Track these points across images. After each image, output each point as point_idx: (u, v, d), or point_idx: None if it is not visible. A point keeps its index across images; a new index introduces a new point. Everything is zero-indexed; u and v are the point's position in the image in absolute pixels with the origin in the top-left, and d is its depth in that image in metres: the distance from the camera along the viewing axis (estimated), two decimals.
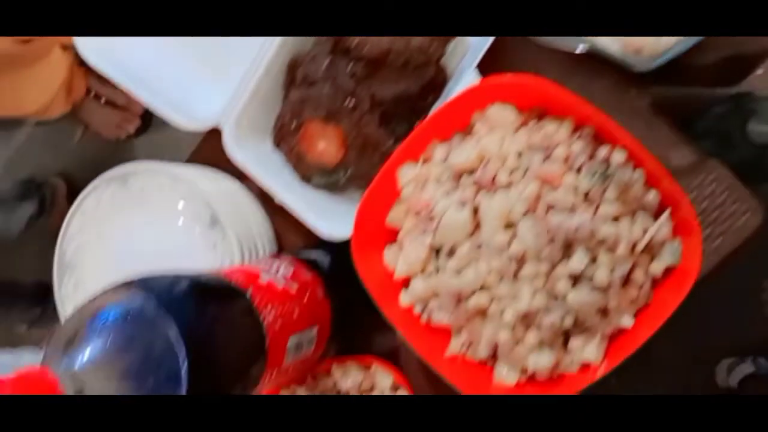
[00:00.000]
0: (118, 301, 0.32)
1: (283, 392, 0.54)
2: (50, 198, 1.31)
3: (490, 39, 0.50)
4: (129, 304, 0.32)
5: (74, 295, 0.61)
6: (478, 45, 0.51)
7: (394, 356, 0.55)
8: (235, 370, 0.36)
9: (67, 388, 0.29)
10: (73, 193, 1.38)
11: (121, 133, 1.35)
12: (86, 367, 0.30)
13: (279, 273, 0.45)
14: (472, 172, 0.44)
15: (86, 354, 0.30)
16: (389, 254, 0.49)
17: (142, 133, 1.33)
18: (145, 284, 0.33)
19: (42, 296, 1.24)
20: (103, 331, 0.31)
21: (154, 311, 0.32)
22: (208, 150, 0.63)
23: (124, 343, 0.31)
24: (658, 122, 0.50)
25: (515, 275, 0.42)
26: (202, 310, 0.35)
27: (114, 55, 0.61)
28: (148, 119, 1.33)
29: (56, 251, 0.61)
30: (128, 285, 0.33)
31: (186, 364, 0.32)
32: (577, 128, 0.44)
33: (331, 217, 0.55)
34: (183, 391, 0.32)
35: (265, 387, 0.42)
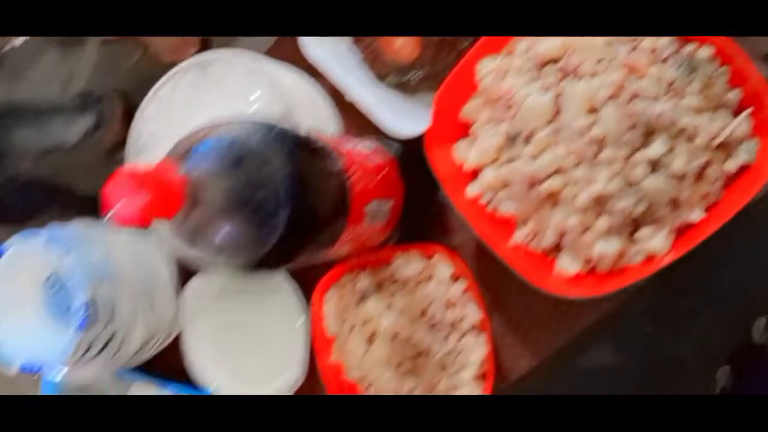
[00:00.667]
0: (236, 129, 0.34)
1: (345, 279, 0.56)
2: (108, 113, 1.35)
3: None
4: (247, 133, 0.34)
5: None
6: None
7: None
8: (323, 218, 0.39)
9: (190, 199, 0.31)
10: (128, 112, 1.42)
11: (178, 58, 1.37)
12: (201, 174, 0.32)
13: (359, 147, 0.47)
14: (556, 61, 0.46)
15: (202, 163, 0.32)
16: (460, 148, 0.51)
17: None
18: (260, 123, 0.36)
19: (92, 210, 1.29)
20: (218, 148, 0.33)
21: (267, 145, 0.34)
22: (284, 47, 0.64)
23: (237, 162, 0.33)
24: None
25: (593, 159, 0.43)
26: (302, 156, 0.37)
27: None
28: (206, 44, 1.35)
29: (131, 135, 0.64)
30: (247, 121, 0.36)
31: (289, 198, 0.34)
32: None
33: (402, 116, 0.56)
34: (281, 227, 0.34)
35: (341, 247, 0.44)
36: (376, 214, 0.45)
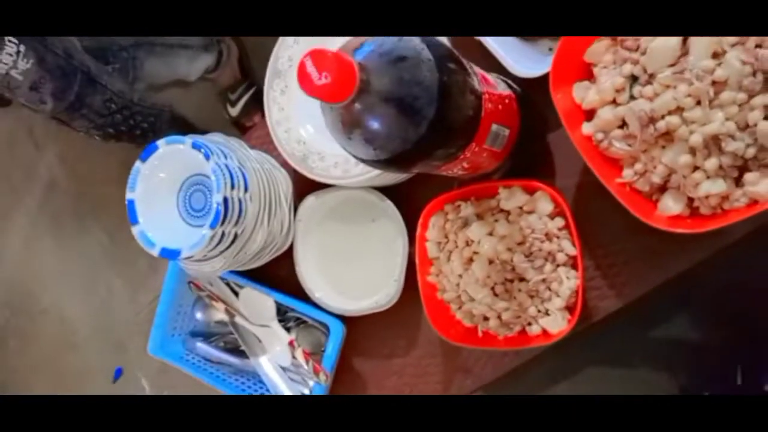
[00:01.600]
0: (400, 41, 0.40)
1: (449, 208, 0.61)
2: (226, 55, 1.45)
3: None
4: (409, 44, 0.39)
5: (280, 98, 0.70)
6: None
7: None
8: (460, 124, 0.44)
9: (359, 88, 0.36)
10: (242, 59, 1.51)
11: None
12: (369, 65, 0.38)
13: (490, 76, 0.51)
14: None
15: (369, 57, 0.38)
16: (578, 89, 0.54)
17: None
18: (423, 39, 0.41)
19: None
20: (381, 48, 0.39)
21: (423, 51, 0.39)
22: None
23: (398, 60, 0.39)
24: None
25: (711, 102, 0.46)
26: (450, 67, 0.42)
27: None
28: None
29: (271, 57, 0.70)
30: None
31: (437, 98, 0.39)
32: None
33: (524, 59, 0.60)
34: (426, 121, 0.40)
35: (462, 162, 0.49)
36: (495, 138, 0.49)
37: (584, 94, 0.54)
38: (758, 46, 0.45)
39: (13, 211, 1.84)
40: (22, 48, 0.93)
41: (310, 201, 0.71)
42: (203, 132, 1.31)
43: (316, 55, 0.35)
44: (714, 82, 0.45)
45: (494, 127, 0.48)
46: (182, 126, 1.33)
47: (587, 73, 0.54)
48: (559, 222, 0.58)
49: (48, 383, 1.80)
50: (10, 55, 0.93)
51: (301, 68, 0.35)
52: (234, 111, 1.50)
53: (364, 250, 0.71)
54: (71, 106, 1.07)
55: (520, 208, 0.59)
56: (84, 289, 1.76)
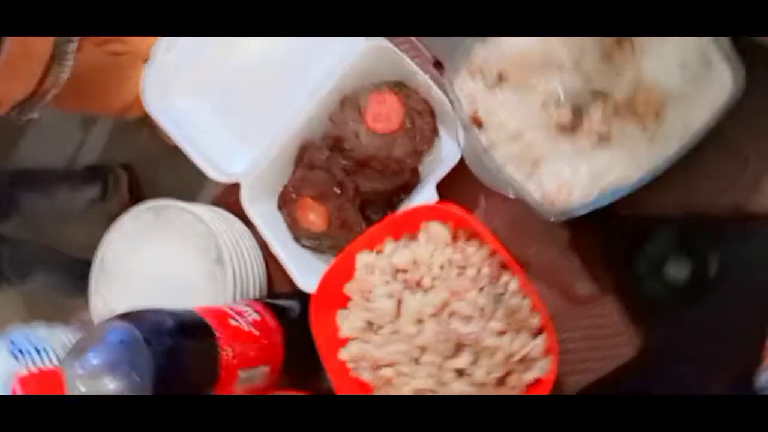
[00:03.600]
0: (116, 329, 0.47)
1: None
2: (113, 186, 1.50)
3: (453, 163, 0.62)
4: (123, 333, 0.47)
5: (105, 293, 0.76)
6: (446, 163, 0.63)
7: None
8: (190, 389, 0.50)
9: (71, 387, 0.43)
10: (132, 186, 1.57)
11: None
12: (87, 373, 0.44)
13: (248, 318, 0.59)
14: (406, 271, 0.57)
15: (88, 364, 0.45)
16: (340, 315, 0.62)
17: None
18: (138, 318, 0.48)
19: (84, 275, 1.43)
20: (101, 350, 0.46)
21: (139, 342, 0.46)
22: (229, 196, 0.76)
23: (114, 358, 0.45)
24: (573, 254, 0.61)
25: (417, 360, 0.54)
26: (176, 342, 0.49)
27: (171, 107, 0.77)
28: None
29: (96, 254, 0.77)
30: (125, 316, 0.48)
31: (152, 378, 0.46)
32: (492, 254, 0.56)
33: (310, 273, 0.68)
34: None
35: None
36: (250, 380, 0.56)
37: (343, 322, 0.62)
38: (452, 315, 0.53)
39: None
40: None
41: None
42: (81, 267, 1.33)
43: (22, 382, 0.42)
44: (419, 346, 0.54)
45: (243, 373, 0.55)
46: (61, 268, 1.36)
47: (346, 302, 0.63)
48: None
49: None
50: None
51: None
52: None
53: None
54: None
55: None
56: None
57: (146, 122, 1.52)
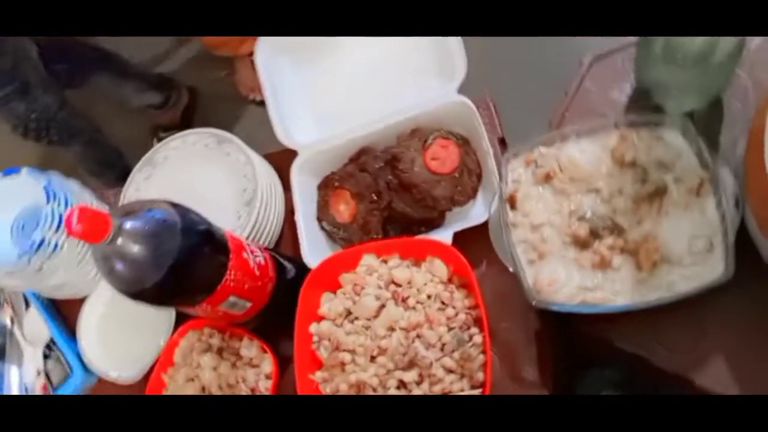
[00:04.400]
0: (162, 209, 0.55)
1: (201, 332, 0.75)
2: (174, 101, 1.60)
3: (477, 223, 0.71)
4: (167, 215, 0.55)
5: (143, 182, 0.85)
6: (470, 220, 0.72)
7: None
8: (191, 286, 0.58)
9: (111, 236, 0.51)
10: (187, 109, 1.66)
11: (249, 95, 1.64)
12: (128, 229, 0.52)
13: (256, 258, 0.67)
14: (399, 285, 0.65)
15: (132, 222, 0.53)
16: (326, 296, 0.70)
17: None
18: (181, 210, 0.56)
19: (113, 165, 1.51)
20: (145, 217, 0.54)
21: (175, 227, 0.54)
22: (286, 155, 0.85)
23: (152, 229, 0.54)
24: (533, 343, 0.69)
25: (373, 359, 0.62)
26: (200, 243, 0.57)
27: (274, 63, 0.86)
28: None
29: (151, 150, 0.85)
30: (172, 204, 0.56)
31: (169, 263, 0.54)
32: (473, 307, 0.64)
33: (316, 252, 0.76)
34: (159, 276, 0.54)
35: (198, 313, 0.63)
36: (233, 305, 0.64)
37: (326, 303, 0.70)
38: (418, 336, 0.61)
39: None
40: None
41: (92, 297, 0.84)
42: (112, 156, 1.43)
43: (81, 210, 0.50)
44: (380, 347, 0.62)
45: (232, 298, 0.63)
46: (96, 147, 1.45)
47: (336, 287, 0.71)
48: (267, 383, 0.72)
49: None
50: None
51: (68, 216, 0.50)
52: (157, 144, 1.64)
53: (136, 325, 0.83)
54: None
55: (251, 358, 0.73)
56: None
57: (231, 63, 1.63)
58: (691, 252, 0.60)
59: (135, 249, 0.53)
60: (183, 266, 0.55)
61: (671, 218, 0.62)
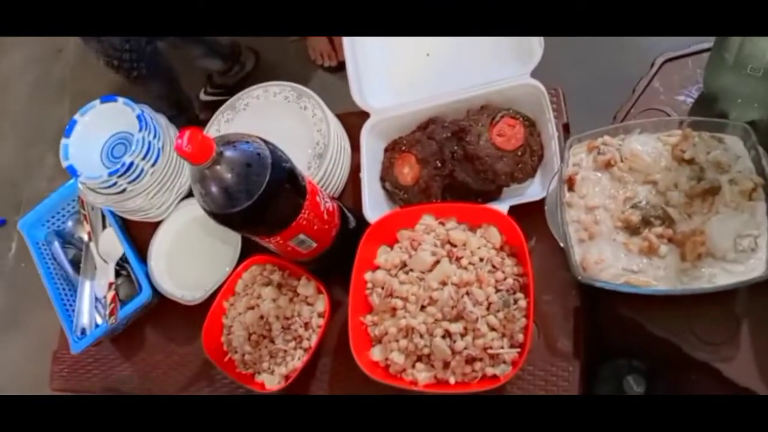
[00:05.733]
0: (257, 144, 0.61)
1: (263, 267, 0.81)
2: (238, 67, 1.68)
3: (531, 200, 0.75)
4: (261, 149, 0.61)
5: (223, 124, 0.91)
6: (526, 196, 0.76)
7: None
8: (272, 217, 0.64)
9: (212, 160, 0.57)
10: (252, 71, 1.73)
11: (319, 60, 1.69)
12: (226, 157, 0.58)
13: (326, 204, 0.72)
14: (454, 246, 0.70)
15: (230, 150, 0.59)
16: (382, 249, 0.76)
17: (334, 72, 1.66)
18: (272, 147, 0.62)
19: (184, 108, 1.59)
20: (242, 148, 0.60)
21: (266, 160, 0.60)
22: (355, 116, 0.90)
23: (246, 160, 0.60)
24: (571, 318, 0.73)
25: (422, 308, 0.67)
26: (285, 180, 0.63)
27: None
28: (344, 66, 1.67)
29: (235, 96, 0.92)
30: (265, 141, 0.62)
31: (257, 193, 0.60)
32: (520, 275, 0.69)
33: (375, 208, 0.82)
34: (248, 202, 0.60)
35: (270, 245, 0.69)
36: (301, 243, 0.70)
37: (382, 254, 0.75)
38: (467, 293, 0.66)
39: None
40: None
41: (180, 207, 0.91)
42: (185, 100, 1.51)
43: (192, 133, 0.56)
44: (431, 298, 0.67)
45: (301, 236, 0.69)
46: (173, 88, 1.53)
47: (393, 241, 0.76)
48: (320, 320, 0.78)
49: None
50: None
51: (179, 136, 0.56)
52: (203, 96, 1.71)
53: (203, 254, 0.90)
54: None
55: (307, 297, 0.80)
56: None
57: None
58: (736, 249, 0.64)
59: (230, 175, 0.59)
60: (269, 197, 0.61)
61: (721, 216, 0.65)
